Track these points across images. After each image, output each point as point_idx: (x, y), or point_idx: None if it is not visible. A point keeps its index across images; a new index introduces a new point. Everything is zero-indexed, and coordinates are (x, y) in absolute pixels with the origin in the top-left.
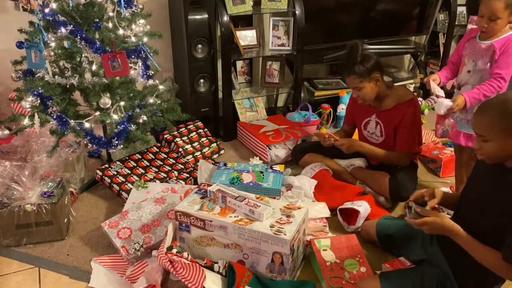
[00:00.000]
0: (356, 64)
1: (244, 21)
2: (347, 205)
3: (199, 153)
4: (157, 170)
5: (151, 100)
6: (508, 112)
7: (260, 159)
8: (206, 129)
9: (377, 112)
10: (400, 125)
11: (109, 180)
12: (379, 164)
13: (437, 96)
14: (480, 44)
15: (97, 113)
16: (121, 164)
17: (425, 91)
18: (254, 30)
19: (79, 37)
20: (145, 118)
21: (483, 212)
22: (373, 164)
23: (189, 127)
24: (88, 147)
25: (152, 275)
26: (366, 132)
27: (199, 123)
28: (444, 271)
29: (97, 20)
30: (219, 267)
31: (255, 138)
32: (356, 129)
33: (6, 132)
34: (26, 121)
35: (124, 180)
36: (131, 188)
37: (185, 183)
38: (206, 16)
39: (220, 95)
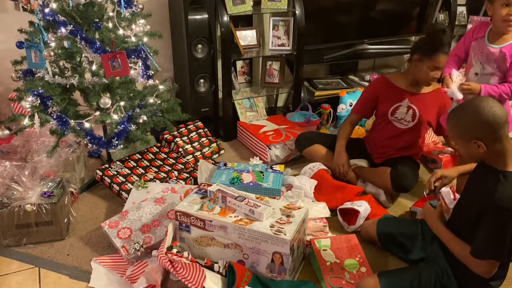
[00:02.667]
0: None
1: (244, 21)
2: (347, 205)
3: (199, 153)
4: (157, 170)
5: (151, 100)
6: (463, 119)
7: (260, 159)
8: (206, 129)
9: (410, 97)
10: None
11: (109, 180)
12: (382, 163)
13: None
14: (488, 47)
15: (97, 113)
16: (121, 164)
17: None
18: (254, 30)
19: (79, 37)
20: (145, 118)
21: (471, 212)
22: (376, 162)
23: (189, 127)
24: (88, 147)
25: (152, 275)
26: (394, 118)
27: (199, 123)
28: (442, 269)
29: (97, 20)
30: (219, 267)
31: (255, 138)
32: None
33: (6, 132)
34: (26, 121)
35: (124, 180)
36: (131, 188)
37: (185, 183)
38: (206, 16)
39: (220, 95)
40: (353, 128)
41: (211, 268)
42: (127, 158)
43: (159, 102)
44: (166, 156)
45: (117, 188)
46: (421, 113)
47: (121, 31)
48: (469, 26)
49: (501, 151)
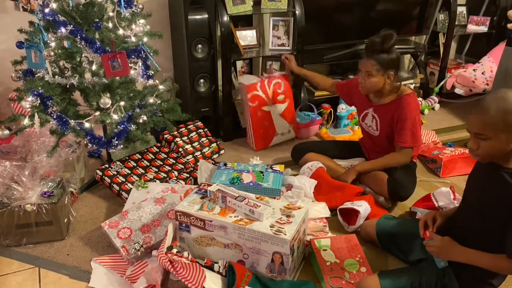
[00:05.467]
0: (382, 52)
1: (244, 21)
2: (347, 205)
3: (199, 153)
4: (157, 170)
5: (151, 100)
6: (509, 109)
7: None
8: (206, 129)
9: (374, 106)
10: (400, 118)
11: (109, 180)
12: None
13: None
14: None
15: (97, 113)
16: (121, 164)
17: (425, 91)
18: (254, 30)
19: (79, 37)
20: (145, 118)
21: (482, 212)
22: None
23: (189, 127)
24: (88, 147)
25: (152, 275)
26: (364, 124)
27: (199, 123)
28: (444, 269)
29: (97, 20)
30: (219, 267)
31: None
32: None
33: (6, 132)
34: (26, 121)
35: (124, 180)
36: (131, 188)
37: (185, 183)
38: (206, 16)
39: (220, 95)
40: (327, 86)
41: (211, 268)
42: (127, 158)
43: (159, 102)
44: (166, 156)
45: (117, 188)
46: (382, 125)
47: (121, 31)
48: (469, 26)
49: None
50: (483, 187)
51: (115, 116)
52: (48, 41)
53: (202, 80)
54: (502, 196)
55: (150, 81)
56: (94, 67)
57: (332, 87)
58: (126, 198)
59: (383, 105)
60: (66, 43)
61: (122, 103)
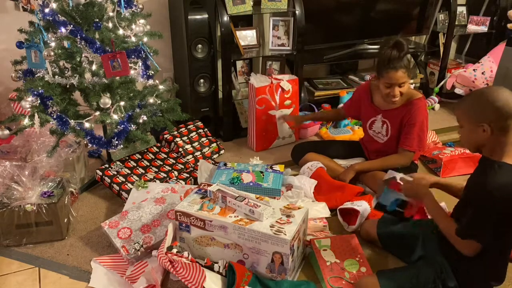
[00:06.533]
0: (405, 59)
1: (244, 21)
2: (347, 205)
3: (199, 153)
4: (157, 170)
5: (151, 100)
6: (479, 100)
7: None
8: (206, 129)
9: (382, 112)
10: (408, 122)
11: (109, 180)
12: None
13: None
14: None
15: (97, 113)
16: (121, 164)
17: (425, 91)
18: (254, 30)
19: (79, 37)
20: (145, 118)
21: (465, 202)
22: None
23: (189, 127)
24: (88, 147)
25: (152, 275)
26: (372, 131)
27: (199, 123)
28: (442, 266)
29: (97, 20)
30: (219, 267)
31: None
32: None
33: (6, 132)
34: (26, 121)
35: (124, 180)
36: (131, 188)
37: (185, 183)
38: (206, 16)
39: (220, 95)
40: (335, 115)
41: (211, 268)
42: (127, 158)
43: (159, 102)
44: (166, 156)
45: (117, 188)
46: (393, 128)
47: (121, 31)
48: (469, 26)
49: (502, 142)
50: (473, 179)
51: (115, 116)
52: (48, 41)
53: (202, 80)
54: (478, 180)
55: (150, 81)
56: (94, 67)
57: (341, 113)
58: (126, 198)
59: (393, 109)
60: (66, 43)
61: (122, 103)
